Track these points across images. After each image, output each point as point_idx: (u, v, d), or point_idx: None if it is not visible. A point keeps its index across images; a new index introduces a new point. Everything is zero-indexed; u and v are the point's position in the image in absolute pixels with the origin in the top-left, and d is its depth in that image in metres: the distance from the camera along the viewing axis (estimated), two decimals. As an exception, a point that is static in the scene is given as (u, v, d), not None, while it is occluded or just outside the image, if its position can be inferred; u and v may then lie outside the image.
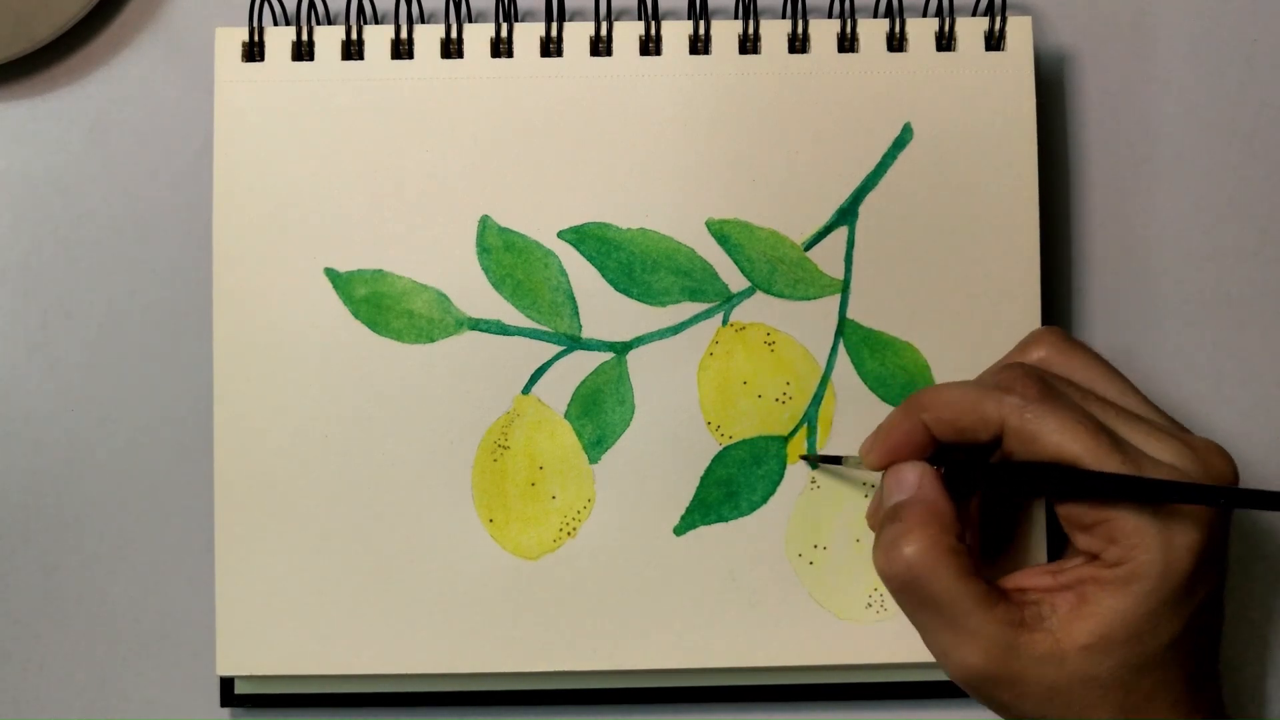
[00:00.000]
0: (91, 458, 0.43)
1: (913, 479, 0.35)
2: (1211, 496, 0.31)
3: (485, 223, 0.41)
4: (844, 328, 0.41)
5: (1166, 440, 0.33)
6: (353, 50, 0.41)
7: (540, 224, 0.41)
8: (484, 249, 0.41)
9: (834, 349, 0.41)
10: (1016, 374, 0.35)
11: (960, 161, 0.41)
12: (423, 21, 0.42)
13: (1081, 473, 0.32)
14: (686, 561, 0.41)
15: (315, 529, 0.41)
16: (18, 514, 0.43)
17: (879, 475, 0.38)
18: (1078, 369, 0.36)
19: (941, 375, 0.41)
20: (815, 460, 0.41)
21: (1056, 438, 0.33)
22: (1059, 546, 0.37)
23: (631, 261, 0.41)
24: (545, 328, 0.41)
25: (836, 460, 0.40)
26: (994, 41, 0.41)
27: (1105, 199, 0.44)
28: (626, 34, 0.41)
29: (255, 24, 0.42)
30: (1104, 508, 0.33)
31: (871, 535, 0.41)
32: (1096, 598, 0.33)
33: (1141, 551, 0.32)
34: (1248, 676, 0.43)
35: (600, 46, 0.41)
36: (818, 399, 0.41)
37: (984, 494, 0.38)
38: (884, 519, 0.36)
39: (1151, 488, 0.32)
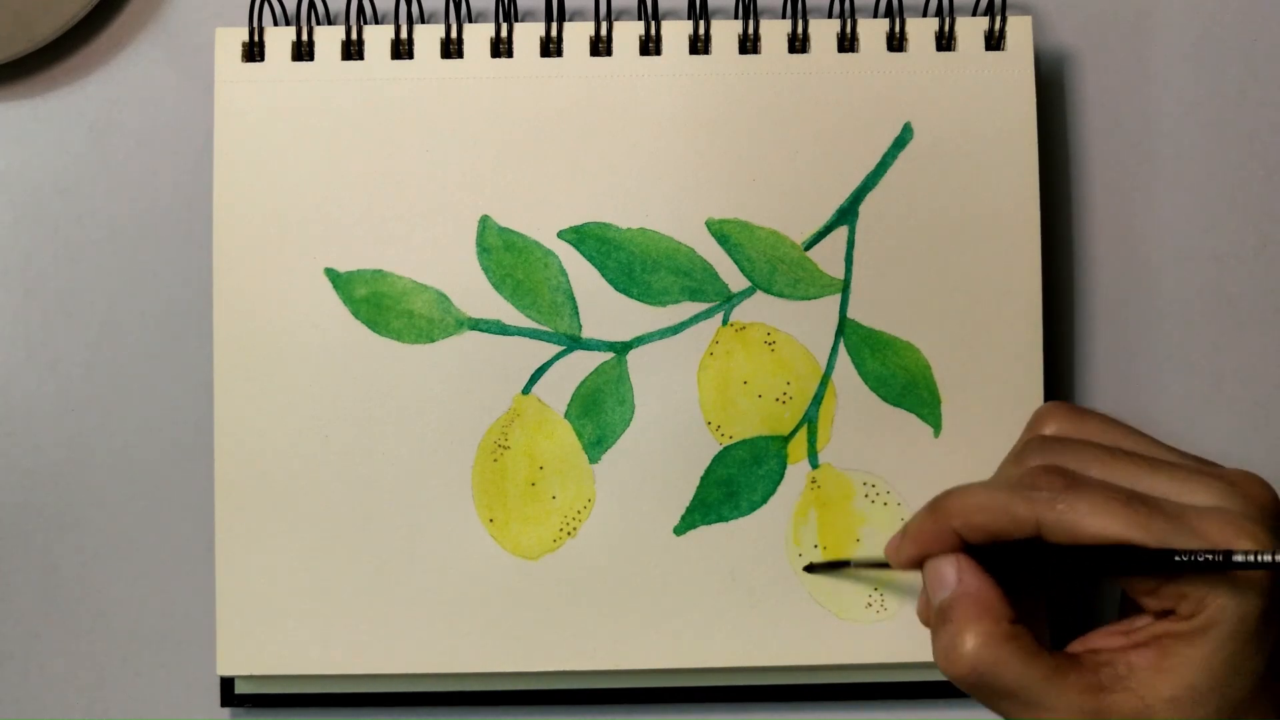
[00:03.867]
0: (91, 458, 0.43)
1: (951, 574, 0.35)
2: (1258, 564, 0.31)
3: (485, 223, 0.41)
4: (844, 327, 0.41)
5: (1204, 482, 0.33)
6: (353, 50, 0.41)
7: (540, 224, 0.41)
8: (484, 249, 0.41)
9: (834, 349, 0.41)
10: (1039, 471, 0.34)
11: (960, 161, 0.41)
12: (423, 21, 0.42)
13: (1136, 551, 0.32)
14: (686, 561, 0.41)
15: (315, 529, 0.41)
16: (18, 514, 0.43)
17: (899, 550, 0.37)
18: (1094, 433, 0.36)
19: (942, 375, 0.41)
20: (821, 568, 0.41)
21: (1094, 520, 0.33)
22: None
23: (631, 261, 0.41)
24: (545, 328, 0.41)
25: (843, 565, 0.40)
26: (994, 41, 0.41)
27: (1105, 199, 0.44)
28: (626, 34, 0.41)
29: (255, 24, 0.42)
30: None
31: (870, 537, 0.41)
32: (1176, 650, 0.32)
33: (1213, 599, 0.32)
34: None
35: (600, 46, 0.41)
36: (818, 399, 0.41)
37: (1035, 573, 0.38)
38: (935, 620, 0.35)
39: (1213, 561, 0.31)
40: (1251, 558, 0.31)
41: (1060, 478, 0.34)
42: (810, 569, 0.41)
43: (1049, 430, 0.37)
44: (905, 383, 0.41)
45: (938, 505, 0.36)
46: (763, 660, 0.41)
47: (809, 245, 0.41)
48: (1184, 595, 0.32)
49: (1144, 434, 0.36)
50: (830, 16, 0.42)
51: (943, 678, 0.42)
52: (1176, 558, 0.31)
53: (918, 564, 0.36)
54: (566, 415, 0.41)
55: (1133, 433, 0.36)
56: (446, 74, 0.41)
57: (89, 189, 0.44)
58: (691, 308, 0.41)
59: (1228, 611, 0.32)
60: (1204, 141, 0.44)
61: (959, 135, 0.41)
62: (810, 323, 0.41)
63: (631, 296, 0.41)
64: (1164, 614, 0.33)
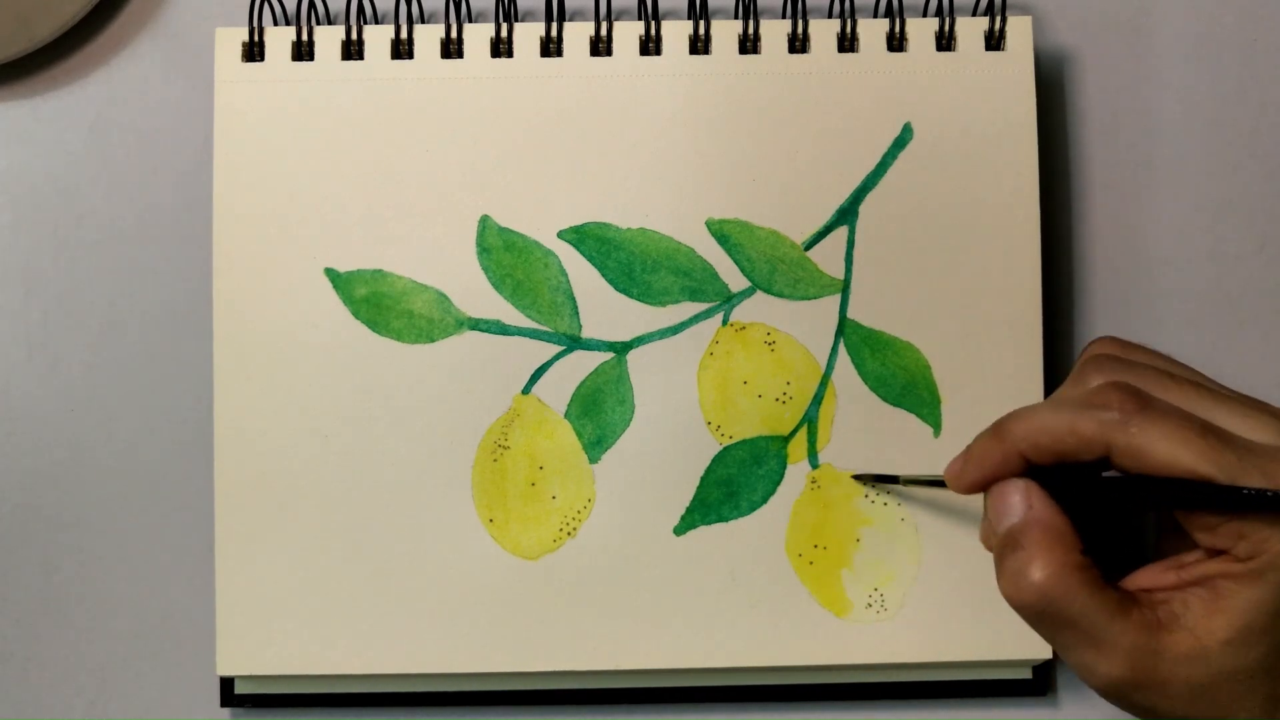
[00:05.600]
0: (91, 458, 0.43)
1: (1020, 500, 0.34)
2: None
3: (485, 223, 0.41)
4: (844, 327, 0.41)
5: (1265, 419, 0.33)
6: (353, 50, 0.41)
7: (540, 224, 0.41)
8: (484, 249, 0.41)
9: (834, 349, 0.41)
10: (1109, 389, 0.33)
11: (960, 161, 0.41)
12: (423, 21, 0.42)
13: (1213, 488, 0.31)
14: (686, 561, 0.41)
15: (315, 529, 0.41)
16: (18, 514, 0.43)
17: (935, 492, 0.37)
18: (1149, 356, 0.35)
19: (942, 375, 0.41)
20: (869, 480, 0.40)
21: (1166, 447, 0.32)
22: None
23: (631, 261, 0.41)
24: (545, 328, 0.41)
25: (893, 479, 0.40)
26: (994, 41, 0.41)
27: (1105, 199, 0.44)
28: (626, 34, 0.41)
29: (255, 24, 0.42)
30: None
31: (870, 537, 0.41)
32: (1231, 591, 0.32)
33: (1274, 542, 0.31)
34: None
35: (600, 46, 0.41)
36: (818, 399, 0.41)
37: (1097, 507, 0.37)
38: (1001, 546, 0.34)
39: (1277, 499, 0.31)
40: None
41: (1132, 398, 0.33)
42: (859, 478, 0.40)
43: (1108, 349, 0.36)
44: (905, 383, 0.41)
45: (1002, 427, 0.34)
46: (763, 660, 0.41)
47: (809, 245, 0.41)
48: (1243, 536, 0.32)
49: (1195, 370, 0.35)
50: (830, 16, 0.42)
51: (943, 677, 0.42)
52: (1245, 492, 0.31)
53: (981, 488, 0.35)
54: (566, 415, 0.41)
55: (1185, 366, 0.35)
56: (446, 74, 0.41)
57: (89, 189, 0.44)
58: (691, 308, 0.41)
59: None
60: (1204, 141, 0.44)
61: (959, 135, 0.41)
62: (810, 323, 0.41)
63: (631, 296, 0.41)
64: (1217, 553, 0.33)
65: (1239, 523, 0.32)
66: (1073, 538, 0.34)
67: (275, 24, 0.42)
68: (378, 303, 0.41)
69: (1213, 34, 0.44)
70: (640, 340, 0.41)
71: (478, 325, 0.41)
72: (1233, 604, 0.32)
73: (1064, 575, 0.33)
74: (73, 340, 0.43)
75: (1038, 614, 0.33)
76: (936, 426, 0.41)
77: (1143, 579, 0.34)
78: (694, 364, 0.41)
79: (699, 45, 0.41)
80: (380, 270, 0.41)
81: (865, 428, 0.41)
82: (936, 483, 0.37)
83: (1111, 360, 0.35)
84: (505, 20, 0.41)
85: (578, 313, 0.41)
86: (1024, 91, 0.41)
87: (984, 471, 0.35)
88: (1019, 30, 0.41)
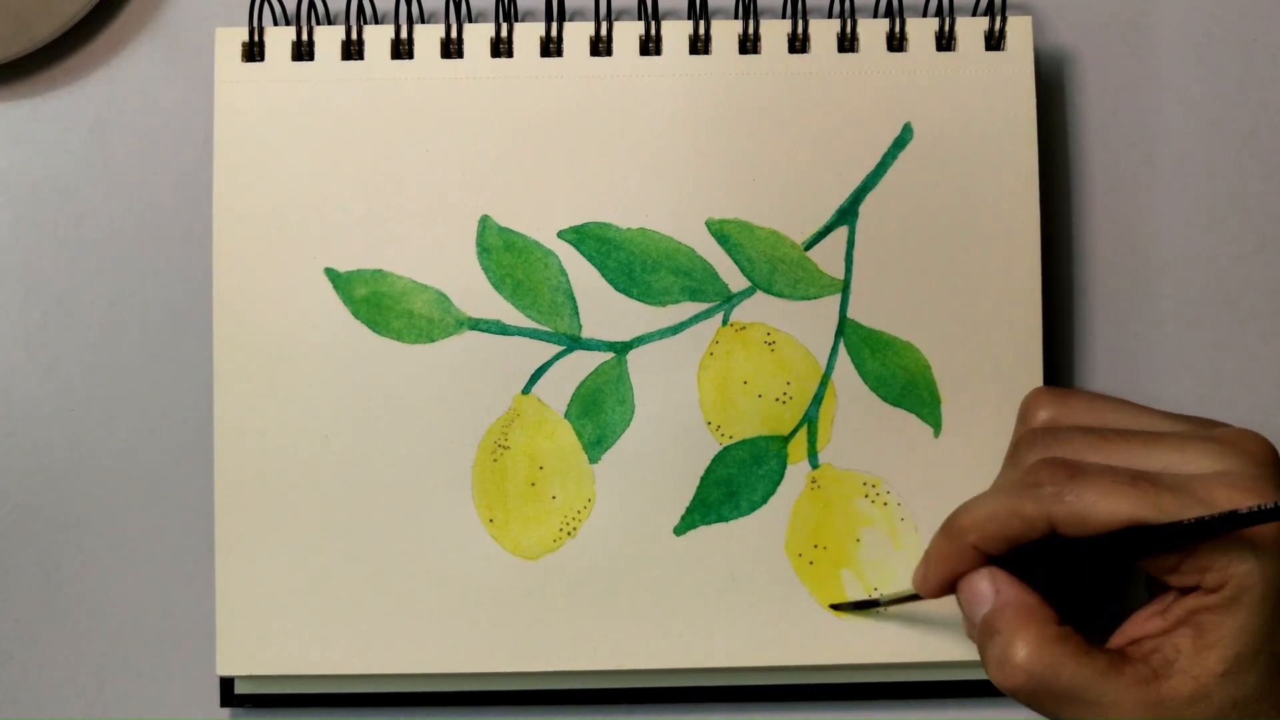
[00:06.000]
0: (91, 458, 0.43)
1: (988, 587, 0.35)
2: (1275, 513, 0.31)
3: (485, 223, 0.41)
4: (844, 327, 0.41)
5: (1202, 447, 0.33)
6: (353, 50, 0.41)
7: (540, 224, 0.41)
8: (484, 249, 0.41)
9: (834, 349, 0.41)
10: (1039, 466, 0.35)
11: (960, 161, 0.41)
12: (423, 21, 0.42)
13: (1150, 529, 0.32)
14: (686, 561, 0.41)
15: (315, 529, 0.41)
16: (18, 514, 0.43)
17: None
18: (1082, 413, 0.37)
19: (942, 375, 0.41)
20: (849, 608, 0.40)
21: (1104, 505, 0.33)
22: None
23: (631, 261, 0.41)
24: (545, 328, 0.41)
25: (873, 604, 0.40)
26: (994, 41, 0.41)
27: (1105, 199, 0.44)
28: (626, 34, 0.41)
29: (255, 24, 0.42)
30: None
31: (870, 537, 0.41)
32: (1214, 624, 0.33)
33: (1236, 566, 0.32)
34: None
35: (600, 46, 0.41)
36: (818, 399, 0.41)
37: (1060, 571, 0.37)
38: (980, 636, 0.35)
39: (1221, 522, 0.31)
40: (1256, 508, 0.31)
41: (1062, 469, 0.34)
42: (838, 608, 0.41)
43: (1040, 417, 0.37)
44: (905, 383, 0.41)
45: (950, 526, 0.36)
46: (763, 660, 0.41)
47: (809, 245, 0.41)
48: (1206, 568, 0.32)
49: (1130, 404, 0.36)
50: (830, 16, 0.42)
51: (941, 677, 0.42)
52: (1185, 523, 0.31)
53: (949, 588, 0.36)
54: (566, 415, 0.41)
55: (1120, 405, 0.36)
56: (446, 74, 0.41)
57: (89, 189, 0.44)
58: (691, 308, 0.41)
59: (1254, 576, 0.32)
60: (1204, 141, 0.44)
61: (959, 135, 0.41)
62: (810, 323, 0.41)
63: (631, 296, 0.41)
64: (1192, 590, 0.33)
65: (1196, 557, 0.32)
66: (1045, 611, 0.34)
67: (275, 24, 0.42)
68: (378, 303, 0.41)
69: (1213, 34, 0.44)
70: (640, 340, 0.41)
71: (478, 325, 0.41)
72: (1219, 636, 0.32)
73: (1045, 648, 0.33)
74: (73, 340, 0.43)
75: (1030, 693, 0.34)
76: (936, 426, 0.41)
77: (1131, 630, 0.35)
78: (694, 364, 0.41)
79: (699, 45, 0.41)
80: (380, 270, 0.41)
81: (865, 428, 0.41)
82: (913, 597, 0.38)
83: (1044, 433, 0.36)
84: (505, 20, 0.41)
85: (578, 313, 0.41)
86: (1024, 91, 0.41)
87: (945, 571, 0.36)
88: (1019, 30, 0.41)
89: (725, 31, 0.41)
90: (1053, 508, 0.33)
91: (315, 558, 0.41)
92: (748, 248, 0.41)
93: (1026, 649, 0.33)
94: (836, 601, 0.41)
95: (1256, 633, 0.32)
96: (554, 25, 0.41)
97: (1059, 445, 0.35)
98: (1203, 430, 0.35)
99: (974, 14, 0.42)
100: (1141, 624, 0.34)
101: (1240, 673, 0.32)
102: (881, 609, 0.40)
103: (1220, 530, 0.32)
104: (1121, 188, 0.44)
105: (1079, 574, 0.38)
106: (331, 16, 0.42)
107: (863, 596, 0.41)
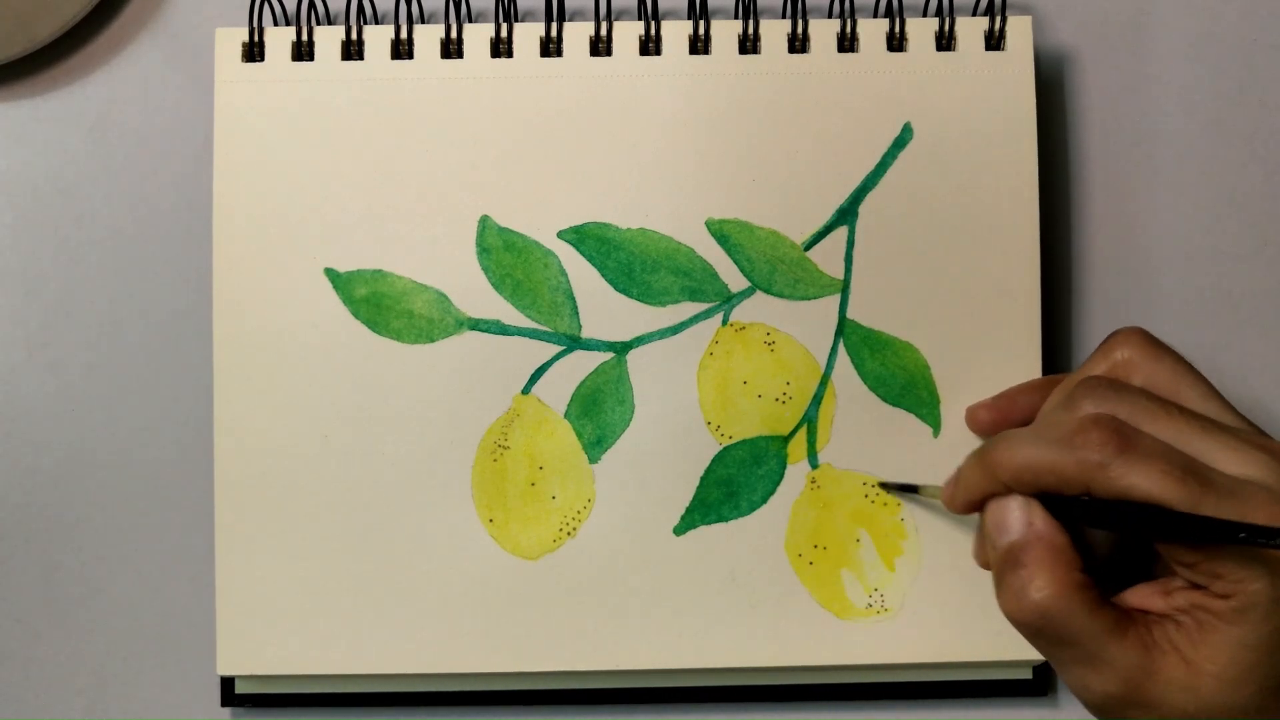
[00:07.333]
0: (91, 458, 0.43)
1: (1020, 517, 0.34)
2: None
3: (485, 223, 0.41)
4: (844, 327, 0.41)
5: (1250, 454, 0.32)
6: (353, 50, 0.41)
7: (540, 224, 0.41)
8: (484, 249, 0.41)
9: (834, 349, 0.41)
10: (1091, 425, 0.33)
11: (960, 161, 0.41)
12: (423, 21, 0.42)
13: (1178, 516, 0.32)
14: (686, 561, 0.41)
15: (315, 529, 0.41)
16: (18, 514, 0.43)
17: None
18: (1163, 374, 0.35)
19: (941, 375, 0.41)
20: (892, 488, 0.41)
21: (1145, 488, 0.32)
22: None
23: (631, 261, 0.41)
24: (545, 328, 0.41)
25: (913, 489, 0.40)
26: (994, 41, 0.41)
27: (1105, 199, 0.44)
28: (626, 34, 0.41)
29: (255, 24, 0.42)
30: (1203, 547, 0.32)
31: (870, 537, 0.41)
32: (1214, 625, 0.32)
33: (1249, 582, 0.32)
34: None
35: (600, 46, 0.41)
36: (818, 399, 0.41)
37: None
38: (1001, 562, 0.34)
39: (1252, 532, 0.31)
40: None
41: (1114, 439, 0.33)
42: (884, 487, 0.41)
43: (1119, 356, 0.36)
44: (904, 383, 0.41)
45: (987, 458, 0.35)
46: (763, 660, 0.41)
47: (809, 245, 0.41)
48: (1220, 575, 0.32)
49: (1209, 384, 0.35)
50: (830, 16, 0.42)
51: (942, 678, 0.42)
52: (1210, 521, 0.31)
53: (975, 510, 0.35)
54: (566, 415, 0.41)
55: (1200, 383, 0.35)
56: (446, 74, 0.41)
57: (89, 189, 0.44)
58: (691, 308, 0.41)
59: (1262, 596, 0.31)
60: (1204, 141, 0.44)
61: (959, 135, 0.41)
62: (810, 323, 0.41)
63: (631, 296, 0.41)
64: (1199, 586, 0.33)
65: (1214, 562, 0.32)
66: (1073, 556, 0.34)
67: (275, 24, 0.42)
68: (378, 303, 0.41)
69: (1213, 34, 0.44)
70: (640, 340, 0.41)
71: (478, 325, 0.41)
72: (1217, 638, 0.32)
73: (1066, 594, 0.33)
74: (73, 340, 0.43)
75: (1037, 630, 0.34)
76: (936, 426, 0.41)
77: (1133, 599, 0.34)
78: (694, 364, 0.41)
79: (699, 45, 0.41)
80: (380, 270, 0.41)
81: (865, 428, 0.41)
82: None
83: (1107, 387, 0.35)
84: (505, 20, 0.41)
85: (578, 313, 0.41)
86: (1024, 91, 0.41)
87: (974, 495, 0.35)
88: (1019, 30, 0.41)
89: (725, 31, 0.41)
90: (1093, 477, 0.32)
91: (315, 558, 0.41)
92: (747, 248, 0.41)
93: (1048, 590, 0.33)
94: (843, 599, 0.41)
95: (1254, 649, 0.32)
96: (554, 25, 0.41)
97: (1119, 402, 0.34)
98: (1258, 438, 0.34)
99: (974, 14, 0.42)
100: (1145, 597, 0.34)
101: (1235, 683, 0.32)
102: (922, 495, 0.40)
103: (1246, 542, 0.31)
104: (1121, 188, 0.44)
105: (1105, 529, 0.37)
106: (331, 17, 0.42)
107: (864, 599, 0.41)
